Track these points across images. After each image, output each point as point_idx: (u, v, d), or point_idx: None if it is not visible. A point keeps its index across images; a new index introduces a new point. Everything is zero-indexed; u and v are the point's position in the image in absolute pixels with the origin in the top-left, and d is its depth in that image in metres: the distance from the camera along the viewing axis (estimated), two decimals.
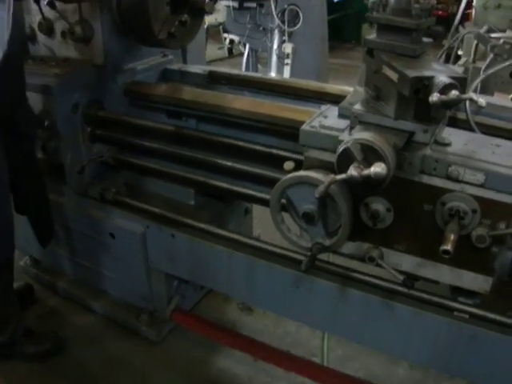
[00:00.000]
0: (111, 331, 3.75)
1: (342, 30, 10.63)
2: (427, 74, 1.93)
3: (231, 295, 3.52)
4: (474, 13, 6.31)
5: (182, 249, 3.16)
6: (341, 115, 2.33)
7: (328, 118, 2.36)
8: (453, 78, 1.90)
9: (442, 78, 1.87)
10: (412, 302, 2.47)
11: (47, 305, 4.02)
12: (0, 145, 2.87)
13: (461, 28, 6.33)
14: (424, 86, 1.90)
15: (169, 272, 3.41)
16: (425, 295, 2.43)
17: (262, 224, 3.90)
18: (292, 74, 7.97)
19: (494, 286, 2.22)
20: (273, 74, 8.25)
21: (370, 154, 1.92)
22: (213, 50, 10.54)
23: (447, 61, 5.34)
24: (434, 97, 1.83)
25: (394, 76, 2.02)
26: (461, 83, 1.92)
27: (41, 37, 3.51)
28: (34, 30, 3.49)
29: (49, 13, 3.35)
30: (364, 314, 2.63)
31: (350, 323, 2.72)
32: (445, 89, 1.84)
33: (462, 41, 5.14)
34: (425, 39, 2.20)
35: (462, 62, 4.95)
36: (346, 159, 1.95)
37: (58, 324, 3.80)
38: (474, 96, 1.88)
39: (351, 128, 2.16)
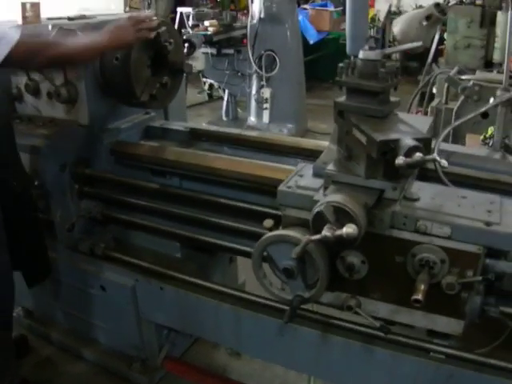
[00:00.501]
0: (103, 379, 3.81)
1: (319, 71, 10.74)
2: (393, 136, 2.05)
3: (219, 343, 3.64)
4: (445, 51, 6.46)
5: (171, 300, 3.26)
6: (315, 174, 2.45)
7: (303, 177, 2.47)
8: (417, 139, 2.02)
9: (407, 141, 1.99)
10: (391, 345, 2.57)
11: (41, 354, 4.08)
12: None
13: (434, 66, 6.49)
14: (390, 148, 2.03)
15: (159, 322, 3.50)
16: (402, 338, 2.54)
17: (247, 271, 3.98)
18: (271, 117, 8.13)
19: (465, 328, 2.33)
20: (252, 119, 8.44)
21: (341, 215, 2.03)
22: (193, 95, 10.64)
23: (422, 100, 5.49)
24: (400, 160, 1.95)
25: (362, 138, 2.15)
26: (425, 144, 2.05)
27: (27, 97, 3.62)
28: (20, 91, 3.60)
29: (35, 74, 3.47)
30: (345, 358, 2.73)
31: (333, 367, 2.82)
32: (410, 151, 1.96)
33: (435, 79, 5.28)
34: (392, 99, 2.31)
35: (435, 102, 5.07)
36: (319, 220, 2.07)
37: (52, 373, 3.88)
38: (437, 157, 2.02)
39: (325, 188, 2.27)
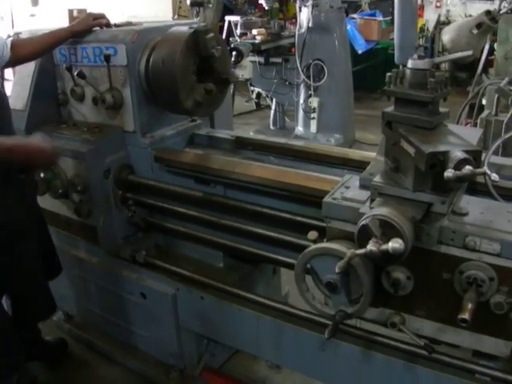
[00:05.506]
0: None
1: (367, 81, 10.63)
2: (442, 148, 1.98)
3: (259, 356, 3.58)
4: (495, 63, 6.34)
5: (211, 310, 3.24)
6: (362, 186, 2.38)
7: (350, 189, 2.41)
8: (467, 151, 1.94)
9: (457, 153, 1.91)
10: (434, 365, 2.50)
11: (79, 358, 4.13)
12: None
13: (484, 77, 6.38)
14: (439, 161, 1.95)
15: (198, 332, 3.48)
16: (446, 358, 2.45)
17: (291, 281, 3.94)
18: (318, 127, 8.11)
19: None
20: (300, 128, 8.43)
21: (387, 229, 1.96)
22: (241, 103, 10.68)
23: (471, 111, 5.40)
24: (449, 173, 1.86)
25: (411, 150, 2.08)
26: (475, 156, 1.97)
27: (73, 102, 3.65)
28: (66, 96, 3.64)
29: (80, 80, 3.48)
30: (387, 376, 2.66)
31: None
32: (459, 164, 1.87)
33: (485, 90, 5.19)
34: (442, 109, 2.22)
35: (484, 114, 4.98)
36: (365, 234, 2.00)
37: (89, 377, 3.94)
38: (488, 171, 1.95)
39: (371, 200, 2.22)
